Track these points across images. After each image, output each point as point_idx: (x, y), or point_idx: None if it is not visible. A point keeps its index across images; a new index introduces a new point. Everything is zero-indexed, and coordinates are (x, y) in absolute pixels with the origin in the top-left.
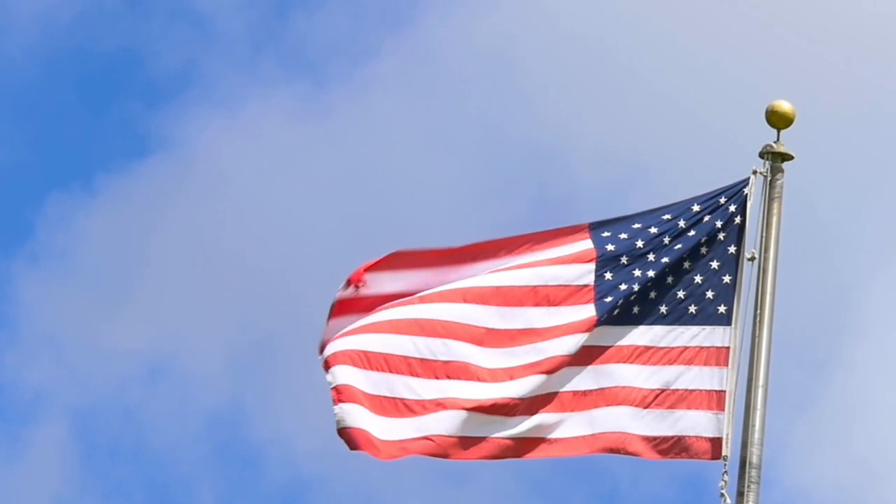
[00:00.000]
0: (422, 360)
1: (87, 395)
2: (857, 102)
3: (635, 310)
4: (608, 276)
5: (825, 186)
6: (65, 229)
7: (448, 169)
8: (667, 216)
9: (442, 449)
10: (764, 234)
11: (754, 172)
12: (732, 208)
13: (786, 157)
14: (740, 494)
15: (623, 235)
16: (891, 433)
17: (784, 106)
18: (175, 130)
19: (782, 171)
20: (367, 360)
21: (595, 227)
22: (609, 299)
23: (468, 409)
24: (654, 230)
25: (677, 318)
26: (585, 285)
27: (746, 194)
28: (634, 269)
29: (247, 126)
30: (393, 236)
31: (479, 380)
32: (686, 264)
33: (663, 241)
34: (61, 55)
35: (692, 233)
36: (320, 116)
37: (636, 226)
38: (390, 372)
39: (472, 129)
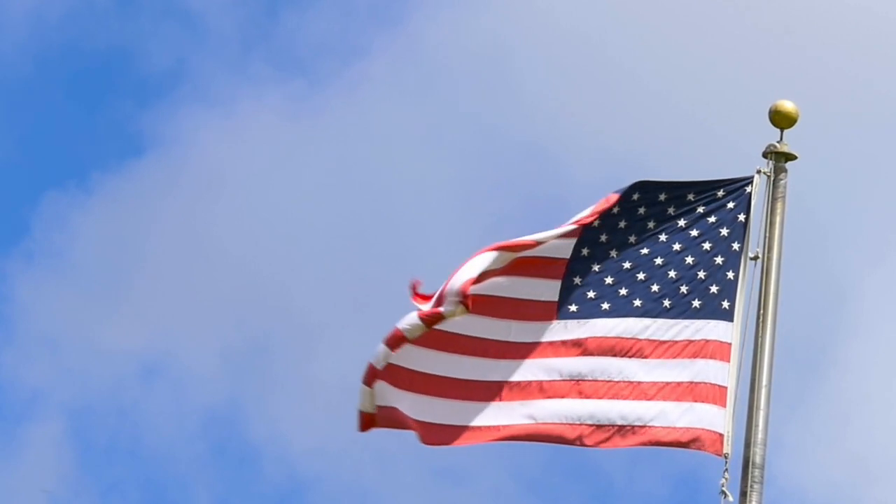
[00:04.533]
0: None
1: (83, 393)
2: (860, 103)
3: (637, 303)
4: (584, 251)
5: (823, 186)
6: (60, 228)
7: (441, 167)
8: (670, 210)
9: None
10: (767, 234)
11: (758, 172)
12: (732, 205)
13: (789, 156)
14: (743, 494)
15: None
16: (885, 431)
17: (787, 106)
18: (167, 129)
19: (785, 170)
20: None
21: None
22: (578, 280)
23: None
24: (651, 224)
25: (681, 311)
26: (560, 258)
27: (750, 193)
28: (618, 258)
29: (239, 125)
30: (387, 235)
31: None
32: (689, 259)
33: (659, 237)
34: (52, 53)
35: (694, 232)
36: (312, 115)
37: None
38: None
39: (465, 128)
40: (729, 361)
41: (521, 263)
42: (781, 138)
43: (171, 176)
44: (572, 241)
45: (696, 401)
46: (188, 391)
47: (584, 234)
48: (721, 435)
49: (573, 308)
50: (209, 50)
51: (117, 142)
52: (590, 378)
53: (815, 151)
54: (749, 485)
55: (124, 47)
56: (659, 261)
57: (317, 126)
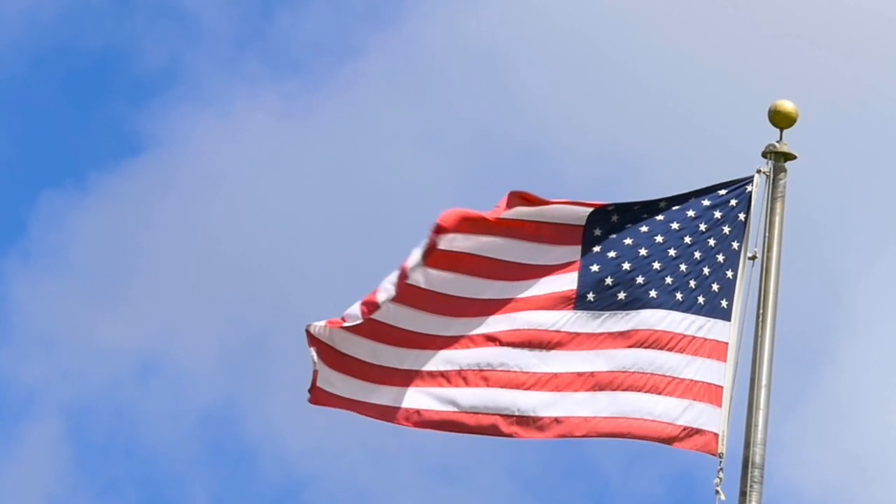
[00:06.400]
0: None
1: (81, 393)
2: (860, 103)
3: (653, 293)
4: (596, 248)
5: (822, 186)
6: (57, 227)
7: (437, 167)
8: (675, 207)
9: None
10: (767, 234)
11: (758, 171)
12: (734, 202)
13: (788, 156)
14: (743, 494)
15: (620, 221)
16: (880, 430)
17: (787, 106)
18: (162, 128)
19: (785, 170)
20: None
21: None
22: (595, 268)
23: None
24: (659, 217)
25: (689, 306)
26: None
27: (750, 192)
28: (634, 248)
29: (234, 124)
30: (383, 234)
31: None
32: (696, 254)
33: (671, 226)
34: (47, 52)
35: (703, 226)
36: (307, 114)
37: (640, 213)
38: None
39: (462, 128)
40: (725, 361)
41: (509, 269)
42: (781, 138)
43: (167, 175)
44: (577, 248)
45: (695, 399)
46: (185, 390)
47: (586, 240)
48: (716, 434)
49: (591, 297)
50: (204, 49)
51: (113, 141)
52: (604, 370)
53: (815, 151)
54: (749, 485)
55: (119, 46)
56: (672, 252)
57: (312, 125)
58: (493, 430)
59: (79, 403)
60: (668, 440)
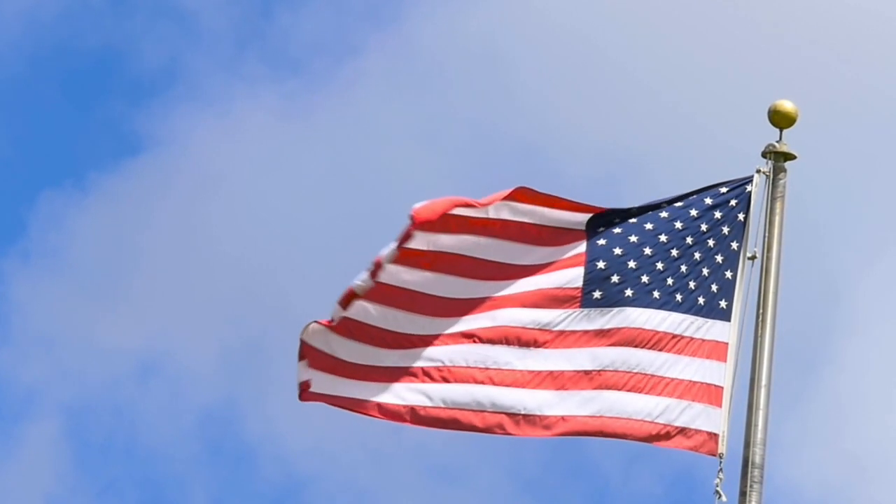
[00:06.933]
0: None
1: (80, 392)
2: (859, 103)
3: (656, 294)
4: (601, 242)
5: (822, 186)
6: (57, 227)
7: (436, 166)
8: (678, 204)
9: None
10: (766, 234)
11: (757, 171)
12: (734, 202)
13: (788, 156)
14: (742, 494)
15: (624, 219)
16: (880, 430)
17: (787, 106)
18: (162, 128)
19: (785, 170)
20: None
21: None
22: (602, 265)
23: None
24: (664, 214)
25: (689, 307)
26: (577, 254)
27: (750, 192)
28: (639, 245)
29: (234, 124)
30: (383, 234)
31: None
32: (697, 255)
33: (674, 225)
34: (46, 52)
35: (704, 226)
36: (307, 114)
37: (639, 221)
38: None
39: (461, 127)
40: (725, 361)
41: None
42: (781, 138)
43: (166, 175)
44: (580, 246)
45: (694, 400)
46: (185, 390)
47: (590, 238)
48: (715, 435)
49: (597, 295)
50: (203, 49)
51: (113, 141)
52: (611, 369)
53: (815, 151)
54: (748, 484)
55: (118, 46)
56: (675, 252)
57: (312, 125)
58: (499, 429)
59: (78, 403)
60: (667, 441)
